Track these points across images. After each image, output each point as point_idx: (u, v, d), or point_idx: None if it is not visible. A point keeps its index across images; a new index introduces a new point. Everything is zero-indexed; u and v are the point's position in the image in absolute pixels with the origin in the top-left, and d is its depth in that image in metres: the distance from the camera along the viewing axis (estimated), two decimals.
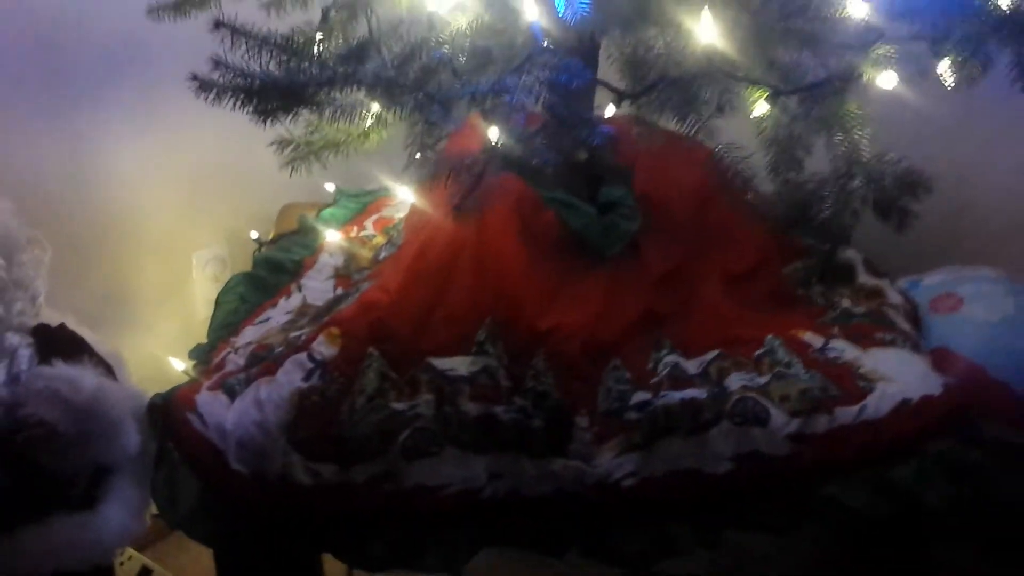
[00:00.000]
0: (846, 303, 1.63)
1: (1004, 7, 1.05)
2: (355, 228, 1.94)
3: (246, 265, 1.97)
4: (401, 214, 1.90)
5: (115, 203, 1.96)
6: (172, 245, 2.08)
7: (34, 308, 1.40)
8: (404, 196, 1.83)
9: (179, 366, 1.74)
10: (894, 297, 1.66)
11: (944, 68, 1.19)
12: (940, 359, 1.60)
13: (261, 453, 1.36)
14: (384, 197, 2.01)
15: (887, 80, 1.11)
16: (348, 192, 2.06)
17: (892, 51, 1.08)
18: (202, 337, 1.75)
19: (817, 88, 1.09)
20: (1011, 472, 1.54)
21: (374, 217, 1.97)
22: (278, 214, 2.08)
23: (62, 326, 1.42)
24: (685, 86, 1.05)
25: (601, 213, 1.54)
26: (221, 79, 1.07)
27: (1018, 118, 1.55)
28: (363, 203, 2.03)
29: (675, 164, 1.55)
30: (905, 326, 1.59)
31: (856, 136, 1.10)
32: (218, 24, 1.02)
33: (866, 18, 1.12)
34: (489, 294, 1.46)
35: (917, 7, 1.07)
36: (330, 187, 2.06)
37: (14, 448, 1.25)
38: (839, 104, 1.08)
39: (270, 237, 1.98)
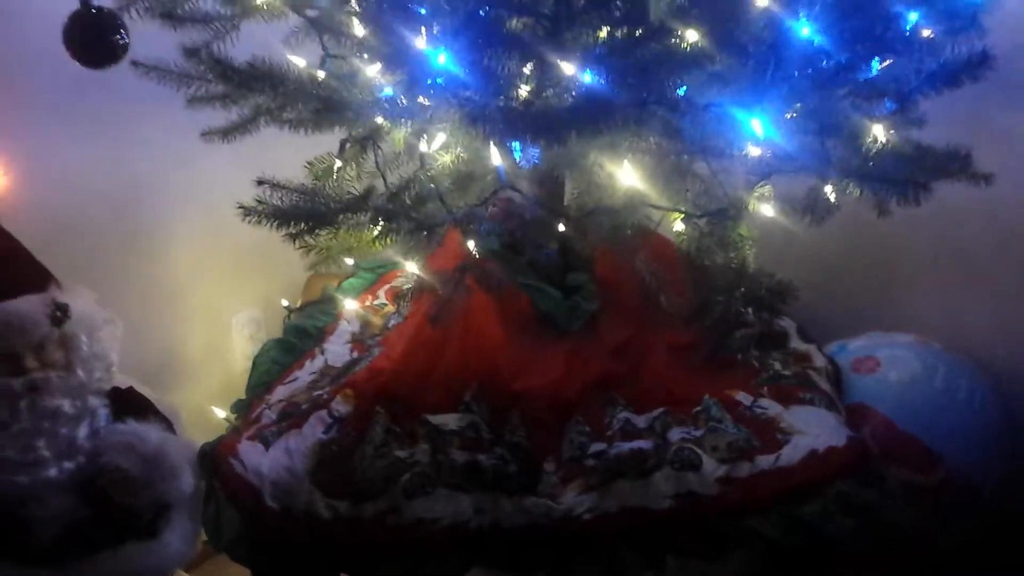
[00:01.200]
0: (777, 365, 1.94)
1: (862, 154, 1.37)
2: (369, 297, 2.28)
3: (277, 325, 2.31)
4: (409, 285, 2.23)
5: (168, 275, 2.31)
6: (215, 309, 2.43)
7: (109, 375, 1.74)
8: (411, 269, 2.17)
9: (220, 414, 2.09)
10: (819, 360, 1.98)
11: (829, 191, 1.51)
12: (858, 413, 1.91)
13: (290, 492, 1.68)
14: (395, 269, 2.34)
15: (768, 210, 1.44)
16: (364, 264, 2.39)
17: (770, 191, 1.41)
18: (240, 388, 2.09)
19: (717, 215, 1.41)
20: (912, 508, 1.85)
21: (386, 287, 2.30)
22: (305, 283, 2.42)
23: (131, 389, 1.78)
24: (614, 213, 1.38)
25: (566, 296, 1.87)
26: (262, 208, 1.41)
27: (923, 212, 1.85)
28: (377, 274, 2.36)
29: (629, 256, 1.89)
30: (825, 386, 1.90)
31: (745, 253, 1.42)
32: (260, 181, 1.37)
33: (761, 156, 1.44)
34: (474, 363, 1.79)
35: (801, 153, 1.39)
36: (349, 260, 2.40)
37: (96, 488, 1.60)
38: (733, 228, 1.40)
39: (298, 304, 2.32)
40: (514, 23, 1.21)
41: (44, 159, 2.00)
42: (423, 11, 1.35)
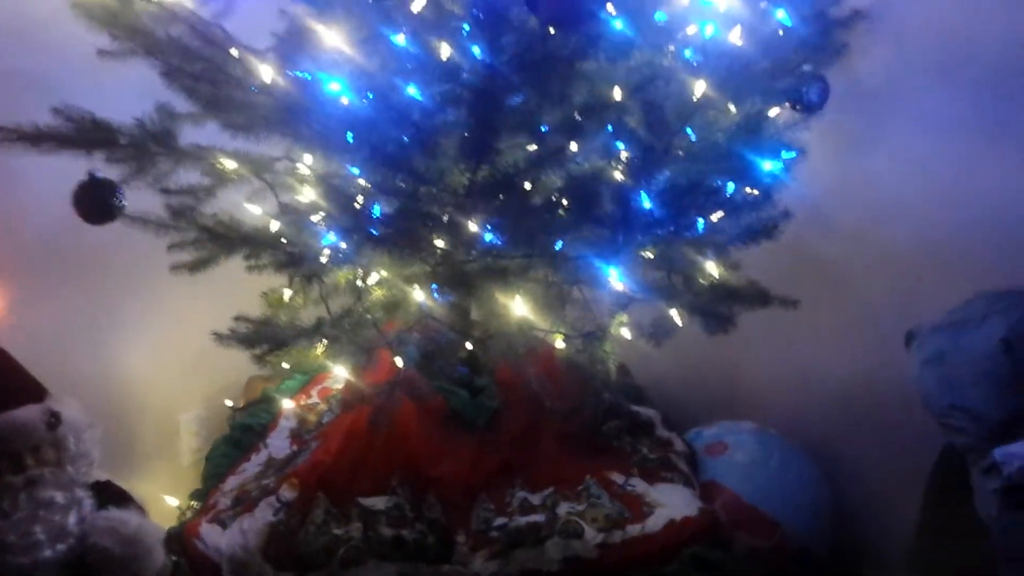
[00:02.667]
0: (644, 450, 2.37)
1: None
2: (304, 396, 2.65)
3: (221, 422, 2.66)
4: (338, 386, 2.61)
5: (123, 379, 2.64)
6: (165, 409, 2.76)
7: (91, 470, 2.08)
8: (339, 372, 2.55)
9: (172, 502, 2.42)
10: (679, 445, 2.42)
11: (675, 315, 1.98)
12: (710, 489, 2.34)
13: (244, 565, 2.03)
14: (325, 372, 2.72)
15: (626, 333, 1.90)
16: (298, 368, 2.76)
17: (626, 320, 1.87)
18: (187, 479, 2.43)
19: (588, 336, 1.86)
20: (755, 566, 2.27)
21: (318, 387, 2.68)
22: (245, 384, 2.78)
23: (108, 482, 2.11)
24: (508, 335, 1.81)
25: (473, 395, 2.28)
26: (234, 335, 1.80)
27: (764, 322, 2.32)
28: (309, 376, 2.73)
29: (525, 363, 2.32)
30: (683, 467, 2.34)
31: (608, 365, 1.86)
32: (237, 318, 1.77)
33: (623, 290, 1.89)
34: (398, 453, 2.18)
35: (652, 287, 1.85)
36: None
37: (84, 566, 1.93)
38: (600, 346, 1.84)
39: (241, 404, 2.67)
40: (432, 206, 1.63)
41: (34, 285, 2.35)
42: (361, 182, 1.78)
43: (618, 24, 1.63)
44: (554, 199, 1.65)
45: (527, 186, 1.64)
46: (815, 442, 2.55)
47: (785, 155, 1.93)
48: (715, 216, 1.87)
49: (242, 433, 2.50)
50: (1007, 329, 1.85)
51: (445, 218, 1.63)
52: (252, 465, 2.36)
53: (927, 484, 2.01)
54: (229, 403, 2.67)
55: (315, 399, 2.63)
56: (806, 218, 2.19)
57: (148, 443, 2.72)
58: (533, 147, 1.65)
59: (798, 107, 2.15)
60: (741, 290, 1.89)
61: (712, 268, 1.95)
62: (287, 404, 2.58)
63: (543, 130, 1.67)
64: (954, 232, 2.25)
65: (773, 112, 2.06)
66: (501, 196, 1.58)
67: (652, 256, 1.93)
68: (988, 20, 2.17)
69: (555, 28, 1.50)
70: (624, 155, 1.71)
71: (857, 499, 2.52)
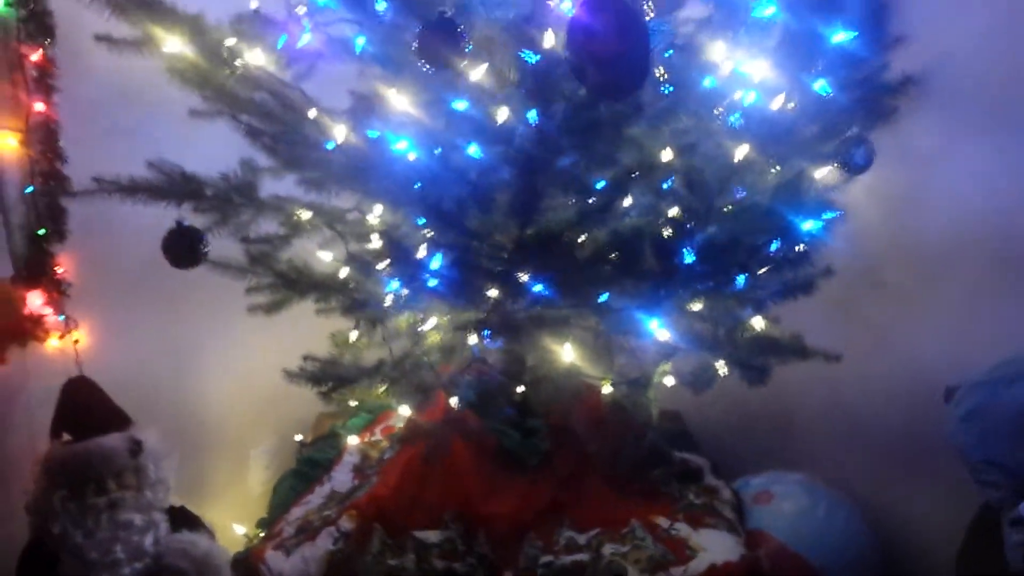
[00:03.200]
0: (691, 496, 2.44)
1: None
2: (368, 433, 2.79)
3: (289, 456, 2.81)
4: (400, 425, 2.75)
5: (201, 411, 2.82)
6: (237, 441, 2.93)
7: (167, 496, 2.23)
8: (403, 412, 2.69)
9: (240, 530, 2.57)
10: (725, 494, 2.49)
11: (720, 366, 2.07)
12: (756, 537, 2.40)
13: None
14: (390, 411, 2.86)
15: (669, 381, 2.00)
16: (364, 406, 2.91)
17: (669, 368, 1.97)
18: (255, 509, 2.58)
19: (632, 383, 1.96)
20: None
21: (382, 426, 2.81)
22: (314, 420, 2.93)
23: (183, 508, 2.26)
24: (557, 380, 1.93)
25: (524, 437, 2.39)
26: (303, 373, 1.95)
27: (816, 376, 2.39)
28: (374, 415, 2.87)
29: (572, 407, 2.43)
30: (728, 514, 2.40)
31: (651, 411, 1.96)
32: (306, 357, 1.92)
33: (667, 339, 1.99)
34: (452, 490, 2.30)
35: (695, 338, 1.95)
36: (353, 402, 2.92)
37: None
38: (644, 393, 1.94)
39: (309, 439, 2.82)
40: (485, 259, 1.77)
41: (123, 323, 2.55)
42: (423, 234, 1.93)
43: (664, 91, 1.75)
44: (599, 254, 1.76)
45: (576, 240, 1.76)
46: (862, 492, 2.58)
47: (827, 215, 2.01)
48: (757, 271, 1.96)
49: (308, 467, 2.65)
50: None
51: (498, 269, 1.76)
52: (316, 497, 2.50)
53: (964, 539, 2.05)
54: (298, 438, 2.82)
55: (378, 436, 2.76)
56: (855, 274, 2.28)
57: (220, 473, 2.89)
58: (580, 204, 1.78)
59: (845, 168, 2.23)
60: (782, 343, 1.97)
61: (755, 321, 2.04)
62: (352, 440, 2.71)
63: (592, 188, 1.80)
64: (1002, 289, 2.31)
65: (820, 172, 2.16)
66: (549, 251, 1.70)
67: (696, 308, 2.03)
68: None
69: (602, 98, 1.63)
70: (667, 213, 1.82)
71: (902, 549, 2.55)
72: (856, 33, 1.94)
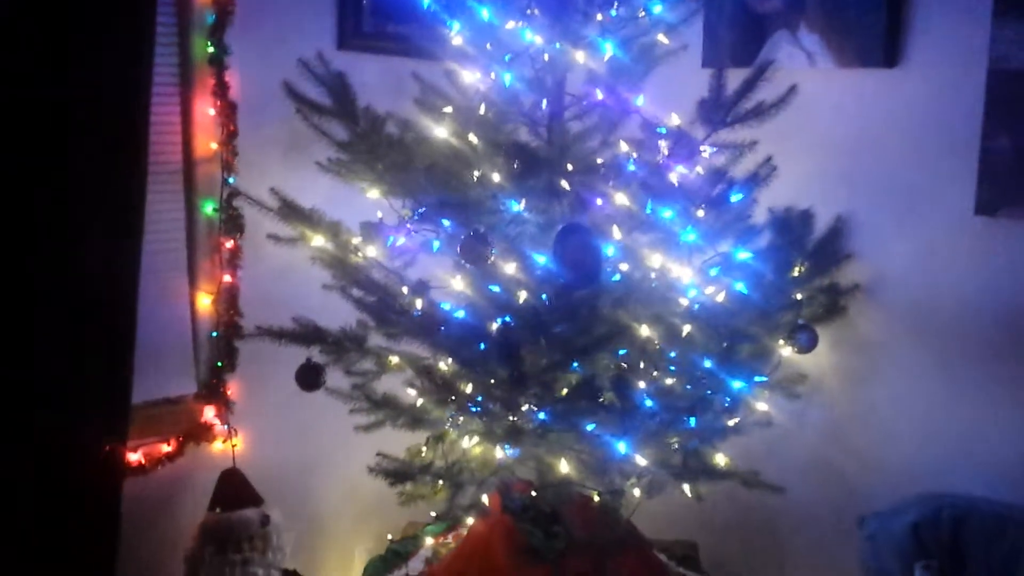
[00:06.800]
0: None
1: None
2: (443, 538, 3.57)
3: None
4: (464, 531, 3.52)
5: (317, 505, 3.70)
6: (345, 541, 3.77)
7: (284, 560, 3.09)
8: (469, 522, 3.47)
9: None
10: None
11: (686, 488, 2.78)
12: None
13: None
14: (462, 524, 3.63)
15: (636, 492, 2.73)
16: (443, 519, 3.69)
17: (635, 482, 2.71)
18: None
19: (611, 494, 2.70)
20: None
21: (454, 533, 3.59)
22: (405, 525, 3.74)
23: (295, 571, 3.11)
24: (555, 487, 2.69)
25: (547, 537, 3.12)
26: (380, 469, 2.80)
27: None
28: (449, 525, 3.65)
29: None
30: None
31: (621, 516, 2.68)
32: (378, 453, 2.78)
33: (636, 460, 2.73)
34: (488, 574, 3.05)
35: (662, 463, 2.69)
36: (432, 514, 3.72)
37: None
38: (618, 502, 2.68)
39: (398, 538, 3.63)
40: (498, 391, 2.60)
41: (267, 432, 3.50)
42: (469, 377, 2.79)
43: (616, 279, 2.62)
44: (576, 392, 2.57)
45: (555, 380, 2.59)
46: None
47: (757, 379, 2.76)
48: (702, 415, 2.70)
49: (392, 556, 3.45)
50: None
51: (507, 399, 2.60)
52: None
53: None
54: (389, 536, 3.64)
55: (449, 539, 3.55)
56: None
57: (330, 567, 3.74)
58: (556, 357, 2.60)
59: (794, 347, 2.96)
60: (729, 472, 2.70)
61: (710, 453, 2.77)
62: (428, 540, 3.51)
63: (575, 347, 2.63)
64: (937, 461, 3.00)
65: (771, 349, 2.91)
66: (538, 388, 2.53)
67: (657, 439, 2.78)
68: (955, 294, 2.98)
69: (574, 286, 2.48)
70: (623, 366, 2.63)
71: None
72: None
